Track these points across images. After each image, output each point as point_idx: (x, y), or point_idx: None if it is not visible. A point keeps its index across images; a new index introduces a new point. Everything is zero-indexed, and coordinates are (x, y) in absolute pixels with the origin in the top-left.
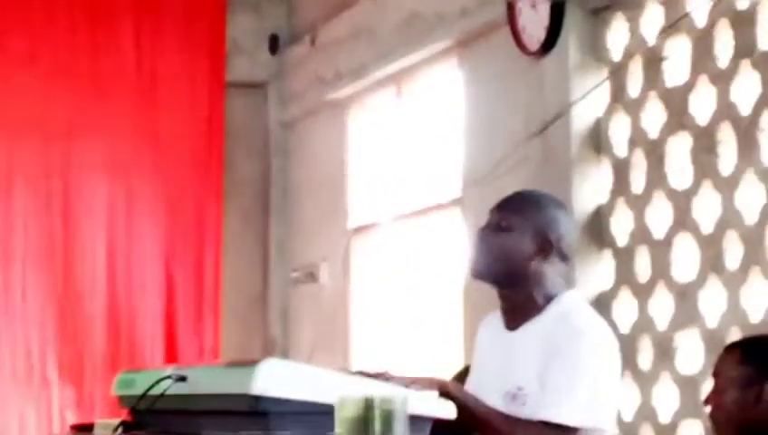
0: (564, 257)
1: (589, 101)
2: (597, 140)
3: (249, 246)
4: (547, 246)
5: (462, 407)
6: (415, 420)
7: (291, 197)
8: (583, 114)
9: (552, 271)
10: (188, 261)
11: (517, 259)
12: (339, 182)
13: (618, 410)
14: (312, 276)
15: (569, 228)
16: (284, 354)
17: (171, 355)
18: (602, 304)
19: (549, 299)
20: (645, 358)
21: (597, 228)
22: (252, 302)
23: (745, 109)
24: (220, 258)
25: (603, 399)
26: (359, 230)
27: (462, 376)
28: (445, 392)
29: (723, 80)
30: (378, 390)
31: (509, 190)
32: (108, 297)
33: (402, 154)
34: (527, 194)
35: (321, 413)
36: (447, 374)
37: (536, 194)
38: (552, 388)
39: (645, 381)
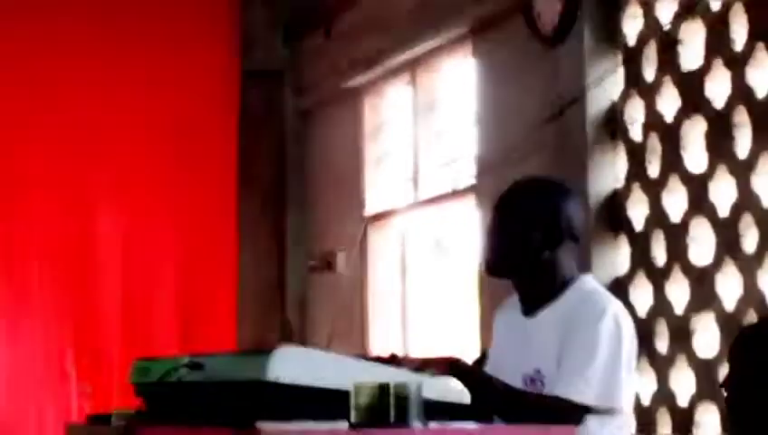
0: (575, 239)
1: (604, 86)
2: (612, 126)
3: (266, 235)
4: (557, 234)
5: (476, 382)
6: (430, 406)
7: (307, 185)
8: (598, 99)
9: (564, 256)
10: (204, 249)
11: (528, 253)
12: (355, 170)
13: (633, 393)
14: (329, 265)
15: (575, 210)
16: (302, 343)
17: (188, 345)
18: (619, 288)
19: (565, 284)
20: (662, 342)
21: (613, 213)
22: (269, 290)
23: (761, 92)
24: (236, 247)
25: (618, 380)
26: (375, 218)
27: (479, 363)
28: (458, 369)
29: (738, 63)
30: (392, 376)
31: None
32: (124, 287)
33: (417, 142)
34: (526, 185)
35: (337, 400)
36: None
37: (535, 182)
38: (568, 367)
39: (662, 365)
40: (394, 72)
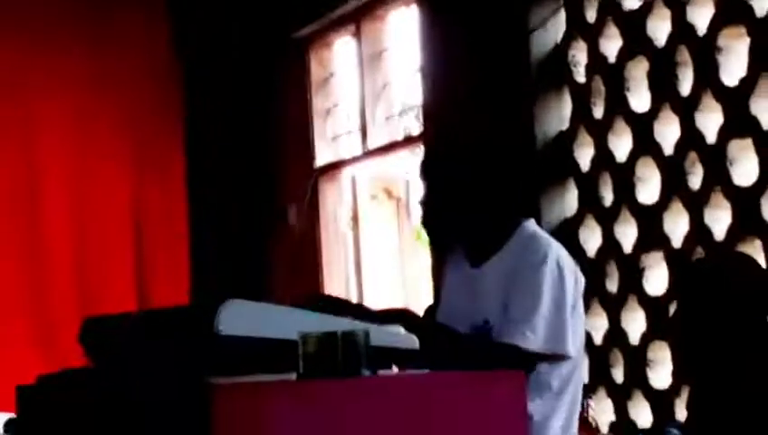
0: (515, 190)
1: (547, 29)
2: (556, 68)
3: (217, 192)
4: (496, 187)
5: (426, 332)
6: (378, 353)
7: (257, 139)
8: (542, 42)
9: (510, 206)
10: (156, 207)
11: (465, 215)
12: (303, 122)
13: (583, 334)
14: (281, 218)
15: (521, 162)
16: (258, 298)
17: (144, 304)
18: (568, 230)
19: (508, 233)
20: (612, 282)
21: (559, 156)
22: (223, 248)
23: (702, 29)
24: (186, 203)
25: (564, 324)
26: (325, 170)
27: (430, 311)
28: (407, 319)
29: (678, 2)
30: (341, 325)
31: (469, 122)
32: (76, 249)
33: (364, 92)
34: (464, 138)
35: (286, 351)
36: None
37: (479, 135)
38: (514, 315)
39: (613, 305)
40: (339, 23)
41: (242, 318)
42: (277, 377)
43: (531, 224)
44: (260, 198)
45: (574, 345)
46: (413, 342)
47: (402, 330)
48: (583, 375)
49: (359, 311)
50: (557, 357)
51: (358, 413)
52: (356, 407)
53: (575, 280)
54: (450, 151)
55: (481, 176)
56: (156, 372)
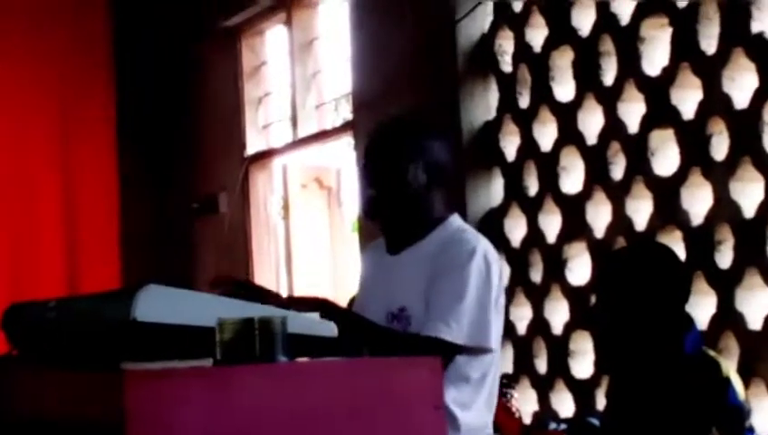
0: (444, 179)
1: (473, 17)
2: (483, 57)
3: (147, 180)
4: (439, 174)
5: (345, 322)
6: (296, 340)
7: (188, 127)
8: (469, 32)
9: (434, 197)
10: (87, 194)
11: (409, 193)
12: (234, 111)
13: (501, 330)
14: (211, 206)
15: (443, 150)
16: (188, 286)
17: (75, 292)
18: (493, 220)
19: (433, 224)
20: (536, 272)
21: (485, 145)
22: (153, 236)
23: (625, 19)
24: (116, 193)
25: (488, 320)
26: (255, 158)
27: (353, 303)
28: (325, 308)
29: None
30: (258, 311)
31: (399, 111)
32: (6, 235)
33: (295, 81)
34: (393, 126)
35: (204, 338)
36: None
37: (402, 123)
38: (438, 307)
39: (536, 295)
40: (270, 11)
41: (160, 305)
42: (193, 362)
43: (456, 218)
44: (191, 185)
45: (495, 340)
46: (331, 329)
47: (321, 317)
48: (500, 366)
49: (272, 297)
50: (478, 350)
51: (273, 399)
52: (272, 393)
53: (500, 275)
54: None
55: (426, 160)
56: (77, 359)
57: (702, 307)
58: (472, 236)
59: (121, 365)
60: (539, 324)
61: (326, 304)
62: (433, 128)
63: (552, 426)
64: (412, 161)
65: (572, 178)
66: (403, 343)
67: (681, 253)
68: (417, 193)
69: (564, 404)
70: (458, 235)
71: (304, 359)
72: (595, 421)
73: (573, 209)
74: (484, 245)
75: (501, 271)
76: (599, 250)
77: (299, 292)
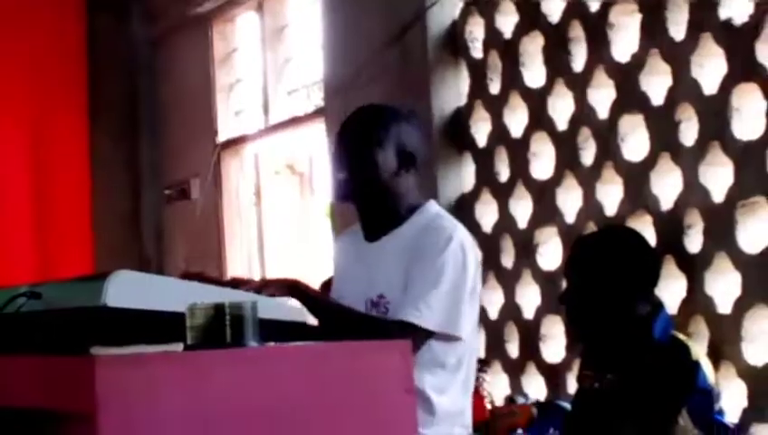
0: (417, 165)
1: (443, 4)
2: (453, 44)
3: (119, 168)
4: (400, 159)
5: (316, 304)
6: (266, 325)
7: (160, 114)
8: (439, 18)
9: (408, 182)
10: (58, 182)
11: (372, 178)
12: (206, 98)
13: (475, 318)
14: (183, 193)
15: (416, 136)
16: (160, 272)
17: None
18: (464, 205)
19: (410, 210)
20: (507, 257)
21: (456, 131)
22: (125, 223)
23: (594, 5)
24: (88, 180)
25: (461, 308)
26: (227, 145)
27: (326, 286)
28: (297, 291)
29: None
30: (229, 296)
31: (371, 97)
32: None
33: (267, 68)
34: (367, 111)
35: (175, 323)
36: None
37: (376, 108)
38: (413, 293)
39: (508, 280)
40: None
41: (130, 290)
42: (162, 347)
43: (433, 204)
44: (163, 172)
45: (467, 328)
46: (303, 314)
47: (292, 302)
48: (477, 352)
49: (243, 281)
50: (448, 337)
51: (244, 384)
52: (243, 378)
53: (476, 264)
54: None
55: (400, 145)
56: (49, 346)
57: (671, 291)
58: (449, 223)
59: (92, 351)
60: (510, 309)
61: (297, 286)
62: (403, 113)
63: (521, 401)
64: (381, 146)
65: (543, 163)
66: (373, 326)
67: (651, 237)
68: (388, 178)
69: (535, 388)
70: (435, 222)
71: (275, 343)
72: (566, 405)
73: (544, 195)
74: (461, 232)
75: (477, 259)
76: (569, 235)
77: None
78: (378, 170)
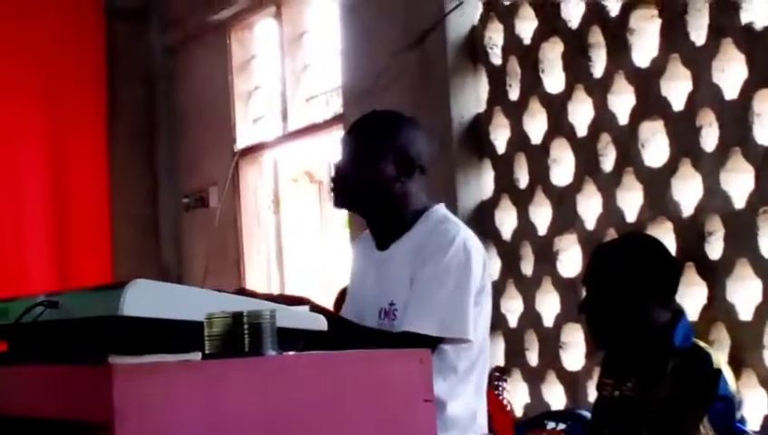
0: (424, 170)
1: (463, 9)
2: (473, 50)
3: (138, 176)
4: (406, 166)
5: (327, 322)
6: (285, 334)
7: (177, 122)
8: (458, 24)
9: (415, 188)
10: (76, 190)
11: (380, 185)
12: (224, 105)
13: (488, 321)
14: (202, 201)
15: (423, 141)
16: (179, 280)
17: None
18: (484, 212)
19: (416, 215)
20: (527, 264)
21: (476, 138)
22: (144, 231)
23: (614, 11)
24: (106, 188)
25: (465, 310)
26: (246, 152)
27: (343, 294)
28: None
29: None
30: (247, 305)
31: (390, 104)
32: None
33: (285, 74)
34: (373, 118)
35: (193, 332)
36: (328, 295)
37: (382, 115)
38: (417, 299)
39: (527, 287)
40: (259, 5)
41: (148, 299)
42: (181, 356)
43: (440, 208)
44: (181, 180)
45: (477, 330)
46: (321, 323)
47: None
48: (489, 357)
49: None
50: (455, 341)
51: (263, 393)
52: (261, 387)
53: (483, 265)
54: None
55: (406, 151)
56: (66, 355)
57: (692, 299)
58: (452, 225)
59: (109, 360)
60: (530, 317)
61: (308, 304)
62: (404, 118)
63: (551, 425)
64: (379, 154)
65: (563, 170)
66: (380, 341)
67: (671, 244)
68: (388, 185)
69: (556, 396)
70: (440, 225)
71: (293, 352)
72: (586, 414)
73: (564, 201)
74: (464, 234)
75: (485, 261)
76: (589, 242)
77: (290, 286)
78: (376, 178)
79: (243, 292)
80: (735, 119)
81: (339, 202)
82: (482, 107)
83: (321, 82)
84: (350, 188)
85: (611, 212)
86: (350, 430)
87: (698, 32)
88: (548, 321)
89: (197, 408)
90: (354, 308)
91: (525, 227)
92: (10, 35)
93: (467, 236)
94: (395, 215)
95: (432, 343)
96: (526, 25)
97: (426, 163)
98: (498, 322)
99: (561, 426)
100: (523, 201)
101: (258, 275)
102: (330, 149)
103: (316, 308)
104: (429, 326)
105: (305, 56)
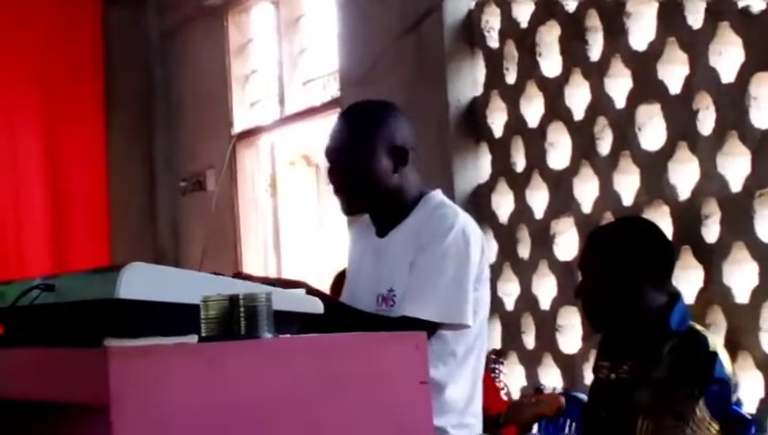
0: (415, 156)
1: None
2: (470, 34)
3: (135, 159)
4: (403, 154)
5: (323, 306)
6: (281, 317)
7: (175, 106)
8: (455, 8)
9: (409, 175)
10: (73, 176)
11: (382, 183)
12: (221, 89)
13: (486, 306)
14: (199, 184)
15: (406, 123)
16: (176, 264)
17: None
18: (481, 196)
19: (414, 202)
20: (524, 247)
21: (472, 121)
22: (141, 214)
23: None
24: (104, 173)
25: (465, 296)
26: (243, 136)
27: (341, 277)
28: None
29: None
30: (243, 288)
31: (387, 88)
32: None
33: (282, 58)
34: (356, 116)
35: (190, 315)
36: (325, 278)
37: (364, 111)
38: (415, 284)
39: (524, 271)
40: None
41: (144, 282)
42: (176, 339)
43: (438, 194)
44: (179, 163)
45: (477, 315)
46: (317, 305)
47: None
48: (487, 342)
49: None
50: (455, 326)
51: (259, 376)
52: (257, 369)
53: (482, 251)
54: (362, 117)
55: (396, 141)
56: (63, 338)
57: (689, 282)
58: (451, 211)
59: (105, 343)
60: (527, 300)
61: (304, 287)
62: (383, 107)
63: (548, 390)
64: (372, 153)
65: (560, 153)
66: (377, 325)
67: (668, 227)
68: (387, 180)
69: (552, 379)
70: (438, 211)
71: (289, 335)
72: (582, 396)
73: (560, 185)
74: (462, 220)
75: (483, 247)
76: (586, 226)
77: (287, 269)
78: (375, 179)
79: (239, 275)
80: (732, 102)
81: (348, 211)
82: (479, 91)
83: (317, 66)
84: (357, 196)
85: (608, 195)
86: (347, 413)
87: (695, 15)
88: (544, 304)
89: (194, 391)
90: (352, 294)
91: (522, 210)
92: (4, 23)
93: (466, 221)
94: (395, 204)
95: (431, 328)
96: (523, 9)
97: (414, 144)
98: (495, 305)
99: (559, 390)
100: (519, 185)
101: (255, 259)
102: (327, 133)
103: (313, 292)
104: (428, 312)
105: (302, 40)
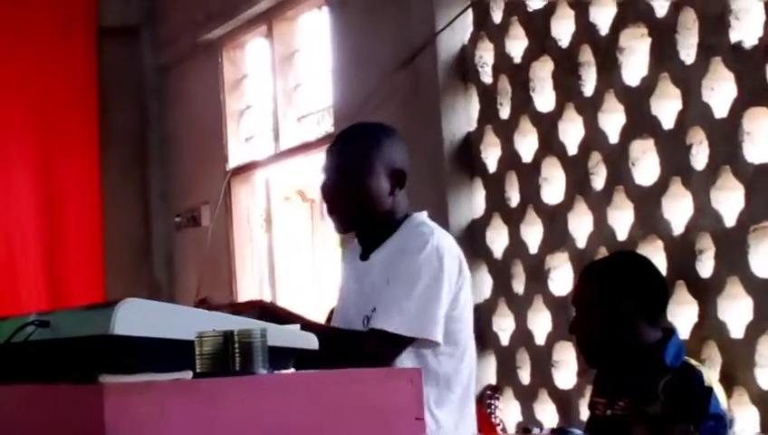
0: (405, 178)
1: (454, 29)
2: (463, 69)
3: (130, 194)
4: (400, 176)
5: (286, 323)
6: (276, 353)
7: (169, 141)
8: (449, 43)
9: (402, 198)
10: (69, 209)
11: (377, 204)
12: (216, 124)
13: (470, 327)
14: (194, 220)
15: (401, 146)
16: (171, 299)
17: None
18: (475, 231)
19: (399, 223)
20: (518, 283)
21: (467, 157)
22: (136, 250)
23: (604, 29)
24: (99, 208)
25: (436, 311)
26: (238, 171)
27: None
28: (266, 311)
29: (581, 3)
30: (238, 324)
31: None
32: None
33: (277, 93)
34: (355, 137)
35: (185, 351)
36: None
37: (363, 132)
38: (386, 298)
39: (519, 306)
40: (251, 24)
41: (139, 318)
42: (171, 375)
43: (421, 215)
44: (173, 199)
45: (458, 335)
46: (312, 342)
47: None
48: (474, 368)
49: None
50: (426, 343)
51: (254, 412)
52: (252, 405)
53: (458, 269)
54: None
55: (391, 165)
56: (58, 374)
57: (684, 317)
58: (427, 229)
59: (100, 379)
60: (522, 335)
61: (264, 306)
62: (381, 131)
63: (536, 431)
64: (371, 175)
65: (554, 188)
66: (346, 339)
67: (662, 263)
68: (385, 202)
69: (548, 414)
70: (415, 229)
71: (285, 371)
72: (578, 432)
73: (555, 220)
74: (437, 237)
75: (461, 266)
76: (581, 260)
77: (283, 303)
78: (372, 198)
79: (202, 303)
80: (725, 137)
81: (343, 229)
82: (473, 126)
83: (312, 102)
84: (351, 214)
85: (602, 230)
86: None
87: (688, 51)
88: (540, 339)
89: (189, 427)
90: (342, 318)
91: (516, 245)
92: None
93: (441, 239)
94: (383, 225)
95: (399, 342)
96: (516, 44)
97: (409, 169)
98: (490, 340)
99: (546, 432)
100: (514, 220)
101: (250, 294)
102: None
103: (274, 309)
104: (396, 325)
105: (297, 76)
